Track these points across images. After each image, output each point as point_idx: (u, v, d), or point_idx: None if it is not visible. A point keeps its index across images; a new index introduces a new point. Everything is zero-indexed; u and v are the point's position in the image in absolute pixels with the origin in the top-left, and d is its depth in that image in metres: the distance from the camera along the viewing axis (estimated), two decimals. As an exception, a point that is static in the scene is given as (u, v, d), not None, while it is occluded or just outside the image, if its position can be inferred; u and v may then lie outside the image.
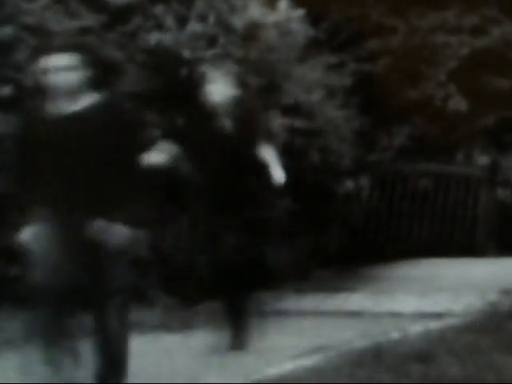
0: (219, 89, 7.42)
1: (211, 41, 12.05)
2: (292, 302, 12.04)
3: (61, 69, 5.51)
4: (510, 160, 16.40)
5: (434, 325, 9.96)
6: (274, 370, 8.06)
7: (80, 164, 5.57)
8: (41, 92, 5.73)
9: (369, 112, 14.51)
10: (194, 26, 12.30)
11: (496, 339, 8.81)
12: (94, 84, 5.65)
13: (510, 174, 16.23)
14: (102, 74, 5.68)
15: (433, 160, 16.38)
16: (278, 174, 7.52)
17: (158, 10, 12.38)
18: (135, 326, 9.45)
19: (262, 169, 7.54)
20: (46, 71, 5.57)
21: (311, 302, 12.11)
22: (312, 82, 13.04)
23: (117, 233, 5.54)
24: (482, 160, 16.56)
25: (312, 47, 13.12)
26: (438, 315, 10.61)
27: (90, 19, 12.21)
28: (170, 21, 12.39)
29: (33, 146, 5.71)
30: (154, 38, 12.29)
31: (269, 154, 7.67)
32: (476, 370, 7.53)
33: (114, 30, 12.22)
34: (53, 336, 5.80)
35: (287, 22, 12.61)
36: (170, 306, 11.35)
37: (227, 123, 7.45)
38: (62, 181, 5.63)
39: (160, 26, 12.45)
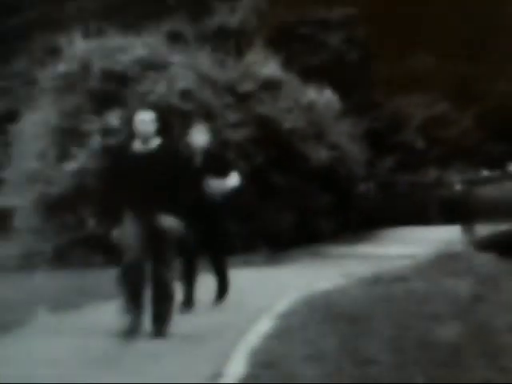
0: (199, 137, 8.63)
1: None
2: (332, 249, 16.14)
3: (146, 121, 7.30)
4: (448, 174, 22.32)
5: (408, 261, 13.22)
6: (326, 285, 10.43)
7: (151, 183, 7.25)
8: (132, 135, 7.34)
9: (373, 148, 19.76)
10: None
11: (442, 269, 11.92)
12: (158, 132, 7.33)
13: (448, 181, 21.80)
14: (162, 125, 7.25)
15: (409, 173, 22.39)
16: (232, 181, 8.83)
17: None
18: (247, 263, 13.56)
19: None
20: (138, 121, 7.29)
21: (342, 249, 16.12)
22: (342, 131, 17.59)
23: (172, 222, 7.28)
24: (434, 174, 22.46)
25: (341, 114, 17.71)
26: (410, 256, 14.02)
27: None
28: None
29: (124, 170, 7.36)
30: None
31: (232, 178, 8.82)
32: (432, 285, 9.96)
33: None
34: (135, 294, 7.29)
35: (329, 100, 17.45)
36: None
37: (200, 160, 8.60)
38: (141, 193, 7.26)
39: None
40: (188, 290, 9.03)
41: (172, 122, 13.35)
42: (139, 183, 7.29)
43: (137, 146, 7.44)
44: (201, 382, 5.84)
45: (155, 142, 7.45)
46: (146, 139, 7.38)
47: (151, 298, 7.43)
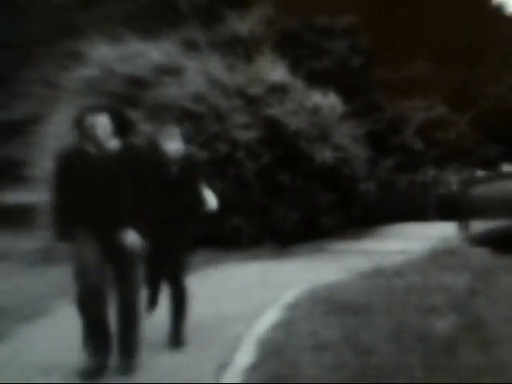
0: (175, 146, 6.90)
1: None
2: (335, 244, 15.92)
3: (100, 124, 5.92)
4: (445, 173, 22.20)
5: (407, 256, 12.87)
6: (329, 278, 10.39)
7: (109, 192, 5.90)
8: (86, 136, 5.95)
9: (374, 149, 19.73)
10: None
11: (439, 264, 11.64)
12: (115, 133, 6.04)
13: (445, 180, 21.75)
14: (119, 127, 6.04)
15: (408, 173, 22.29)
16: (211, 202, 7.21)
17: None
18: (255, 257, 13.69)
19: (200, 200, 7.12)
20: (90, 123, 5.91)
21: (344, 244, 15.89)
22: (345, 133, 17.40)
23: (134, 238, 5.93)
24: (431, 173, 22.35)
25: (344, 116, 17.49)
26: (409, 251, 13.64)
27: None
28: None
29: (78, 173, 5.91)
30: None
31: (205, 190, 7.21)
32: (430, 279, 9.88)
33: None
34: (98, 326, 5.95)
35: (333, 103, 17.24)
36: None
37: (176, 170, 6.91)
38: (96, 204, 5.89)
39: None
40: (152, 293, 7.53)
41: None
42: (94, 193, 5.94)
43: (90, 149, 6.07)
44: (212, 369, 5.86)
45: (113, 144, 6.12)
46: (100, 142, 6.03)
47: (116, 327, 6.11)
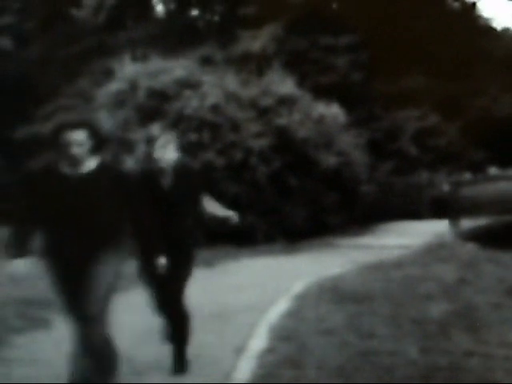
0: (166, 152, 5.44)
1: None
2: (340, 240, 15.83)
3: (76, 142, 4.67)
4: (438, 176, 22.14)
5: (403, 251, 13.02)
6: (334, 270, 10.49)
7: (85, 216, 4.68)
8: (61, 154, 4.78)
9: (373, 154, 19.60)
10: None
11: (433, 256, 11.81)
12: (93, 151, 4.79)
13: (437, 182, 21.60)
14: (98, 143, 4.79)
15: (404, 176, 22.26)
16: (231, 215, 5.77)
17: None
18: (267, 252, 13.58)
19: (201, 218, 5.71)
20: (67, 143, 4.68)
21: (348, 240, 15.86)
22: (347, 140, 17.37)
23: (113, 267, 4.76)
24: (425, 176, 22.30)
25: (347, 125, 17.53)
26: (405, 246, 13.72)
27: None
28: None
29: (50, 197, 4.73)
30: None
31: (212, 205, 5.80)
32: (424, 270, 10.04)
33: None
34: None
35: (337, 114, 17.15)
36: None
37: (170, 181, 5.45)
38: (70, 230, 4.69)
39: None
40: (176, 346, 5.61)
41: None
42: (67, 218, 4.72)
43: (65, 168, 4.85)
44: (228, 353, 5.83)
45: (91, 164, 4.88)
46: (75, 161, 4.81)
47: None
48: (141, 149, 14.15)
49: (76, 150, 4.78)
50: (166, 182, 5.53)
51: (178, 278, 5.47)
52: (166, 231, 5.31)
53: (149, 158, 5.61)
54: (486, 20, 30.80)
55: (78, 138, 4.79)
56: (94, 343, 4.74)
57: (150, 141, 5.75)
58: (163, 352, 5.59)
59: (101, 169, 4.91)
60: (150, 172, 5.58)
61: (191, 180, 5.69)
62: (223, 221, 5.85)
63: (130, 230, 4.96)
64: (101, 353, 4.80)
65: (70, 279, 4.78)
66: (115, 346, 4.84)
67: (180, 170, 5.61)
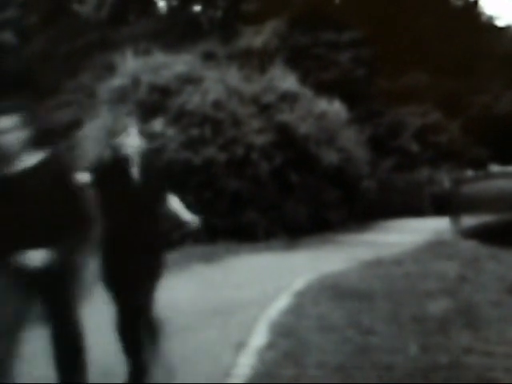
0: (131, 141, 4.68)
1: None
2: (340, 236, 15.90)
3: (3, 130, 3.95)
4: (439, 173, 22.22)
5: (403, 247, 12.98)
6: (335, 267, 10.39)
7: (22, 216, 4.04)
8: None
9: (375, 151, 19.79)
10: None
11: (433, 254, 11.82)
12: (34, 143, 4.10)
13: (438, 179, 21.75)
14: (41, 133, 4.18)
15: (405, 173, 22.38)
16: (192, 220, 4.97)
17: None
18: (268, 248, 13.51)
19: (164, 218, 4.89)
20: None
21: (348, 237, 15.90)
22: (349, 137, 17.48)
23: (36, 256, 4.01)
24: (426, 173, 22.44)
25: (348, 122, 17.64)
26: (406, 243, 13.69)
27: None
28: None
29: None
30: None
31: (175, 204, 5.02)
32: (425, 267, 9.98)
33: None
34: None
35: (338, 110, 17.26)
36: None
37: (136, 174, 4.70)
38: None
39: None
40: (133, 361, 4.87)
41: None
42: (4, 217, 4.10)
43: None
44: (228, 349, 5.81)
45: (29, 160, 4.17)
46: (9, 157, 4.10)
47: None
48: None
49: (3, 141, 4.04)
50: (135, 172, 4.77)
51: (147, 285, 4.76)
52: (135, 231, 4.68)
53: (111, 146, 4.82)
54: (488, 18, 30.94)
55: (6, 125, 4.03)
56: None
57: (112, 129, 4.95)
58: (163, 348, 5.55)
59: (41, 166, 4.11)
60: (116, 161, 4.77)
61: (157, 173, 5.00)
62: (181, 225, 5.07)
63: (86, 229, 4.37)
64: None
65: None
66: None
67: (146, 160, 4.89)
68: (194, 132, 14.71)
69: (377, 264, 10.66)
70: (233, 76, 16.50)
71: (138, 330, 4.80)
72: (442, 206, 19.06)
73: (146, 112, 14.95)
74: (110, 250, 4.68)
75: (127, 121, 5.01)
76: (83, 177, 4.61)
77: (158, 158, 4.89)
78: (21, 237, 4.09)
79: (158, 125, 14.83)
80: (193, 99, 15.16)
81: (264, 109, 16.06)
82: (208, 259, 11.39)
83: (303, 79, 17.38)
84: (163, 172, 5.22)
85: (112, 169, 4.76)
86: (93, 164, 5.00)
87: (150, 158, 5.08)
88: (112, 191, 4.62)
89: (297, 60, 20.35)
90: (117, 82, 15.95)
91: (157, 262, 4.86)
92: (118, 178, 4.72)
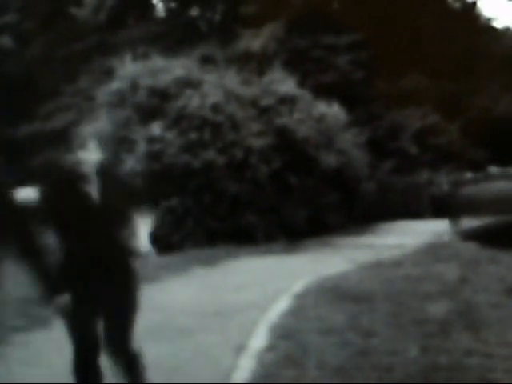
0: (89, 156, 4.18)
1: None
2: (340, 239, 15.90)
3: None
4: (438, 175, 22.30)
5: (403, 249, 13.07)
6: (334, 269, 10.42)
7: None
8: None
9: (374, 153, 19.83)
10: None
11: (433, 256, 11.85)
12: None
13: (438, 181, 21.89)
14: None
15: (405, 175, 22.44)
16: (140, 248, 4.64)
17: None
18: (268, 251, 13.45)
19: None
20: None
21: (348, 239, 15.95)
22: (348, 139, 17.57)
23: None
24: (425, 175, 22.51)
25: (347, 124, 17.69)
26: (405, 245, 13.79)
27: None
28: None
29: None
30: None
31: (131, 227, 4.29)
32: (424, 269, 10.06)
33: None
34: None
35: (337, 113, 17.29)
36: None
37: (94, 191, 4.15)
38: None
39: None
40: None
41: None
42: None
43: None
44: (229, 352, 5.79)
45: None
46: None
47: None
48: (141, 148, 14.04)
49: None
50: (93, 191, 4.22)
51: (119, 312, 4.25)
52: (93, 257, 4.12)
53: (66, 162, 4.31)
54: (487, 19, 30.99)
55: None
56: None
57: (67, 140, 4.45)
58: (163, 351, 5.59)
59: None
60: (68, 180, 4.27)
61: (119, 190, 4.37)
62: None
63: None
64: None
65: None
66: None
67: (107, 176, 4.33)
68: (193, 135, 14.76)
69: (376, 266, 10.67)
70: (231, 79, 16.54)
71: (94, 369, 4.27)
72: (441, 207, 19.08)
73: (145, 116, 15.02)
74: (66, 276, 4.08)
75: (87, 133, 4.39)
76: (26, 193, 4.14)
77: (119, 171, 4.23)
78: None
79: (156, 128, 14.89)
80: (192, 103, 15.20)
81: (263, 112, 16.10)
82: (208, 262, 11.44)
83: (302, 82, 17.40)
84: (127, 188, 4.61)
85: (62, 188, 4.26)
86: (40, 180, 4.47)
87: (111, 173, 4.52)
88: (62, 213, 4.14)
89: (295, 63, 20.31)
90: (115, 85, 15.99)
91: (123, 289, 4.24)
92: (69, 198, 4.19)
